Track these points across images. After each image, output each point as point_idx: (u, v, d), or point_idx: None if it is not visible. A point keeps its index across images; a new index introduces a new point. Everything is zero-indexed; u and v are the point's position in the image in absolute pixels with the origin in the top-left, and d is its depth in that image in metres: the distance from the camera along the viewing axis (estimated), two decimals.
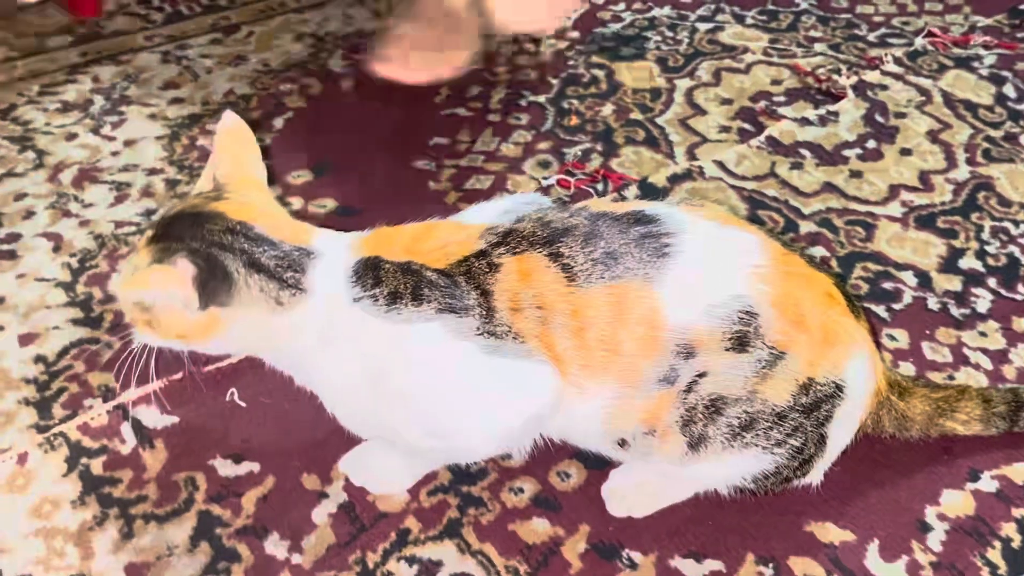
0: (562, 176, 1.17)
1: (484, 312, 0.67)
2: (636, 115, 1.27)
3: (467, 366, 0.67)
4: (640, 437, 0.70)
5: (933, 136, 1.22)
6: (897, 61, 1.36)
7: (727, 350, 0.66)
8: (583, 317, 0.66)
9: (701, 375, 0.67)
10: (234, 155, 0.74)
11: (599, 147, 1.22)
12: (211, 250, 0.67)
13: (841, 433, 0.73)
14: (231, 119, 0.75)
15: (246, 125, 0.75)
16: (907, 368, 0.92)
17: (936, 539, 0.78)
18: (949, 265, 1.03)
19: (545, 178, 1.17)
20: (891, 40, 1.43)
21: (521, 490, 0.82)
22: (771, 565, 0.76)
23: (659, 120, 1.26)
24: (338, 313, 0.69)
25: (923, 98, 1.29)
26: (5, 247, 1.07)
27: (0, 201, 1.14)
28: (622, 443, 0.72)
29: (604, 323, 0.66)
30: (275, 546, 0.78)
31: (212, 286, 0.67)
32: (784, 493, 0.78)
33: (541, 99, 1.32)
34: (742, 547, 0.77)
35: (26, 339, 0.96)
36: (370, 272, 0.69)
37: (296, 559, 0.77)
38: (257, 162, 0.75)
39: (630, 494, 0.79)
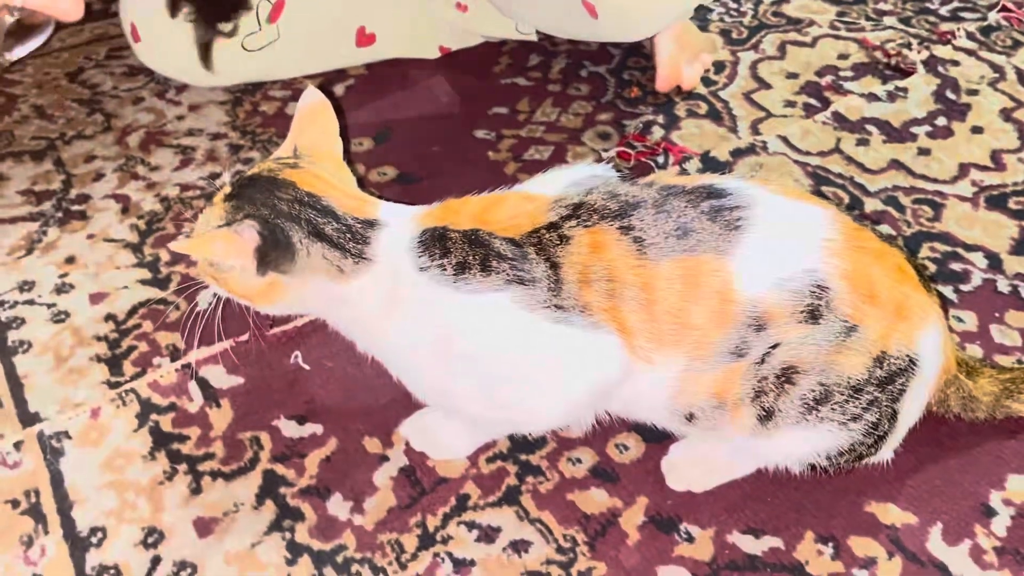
0: (622, 148, 1.16)
1: (552, 284, 0.67)
2: (699, 88, 1.25)
3: (534, 337, 0.67)
4: (709, 410, 0.70)
5: (1006, 114, 1.19)
6: (970, 36, 1.32)
7: (799, 323, 0.66)
8: (653, 290, 0.66)
9: (774, 346, 0.67)
10: (315, 128, 0.76)
11: (660, 119, 1.21)
12: (278, 220, 0.69)
13: (911, 409, 0.73)
14: (314, 95, 0.77)
15: (327, 101, 0.77)
16: (974, 351, 0.90)
17: (1001, 524, 0.77)
18: (1021, 247, 1.01)
19: (605, 150, 1.16)
20: (963, 14, 1.38)
21: (579, 460, 0.82)
22: (830, 544, 0.76)
23: (722, 94, 1.24)
24: (404, 283, 0.70)
25: (996, 75, 1.25)
26: (76, 208, 1.10)
27: (71, 162, 1.17)
28: (690, 417, 0.71)
29: (675, 296, 0.66)
30: (338, 507, 0.79)
31: (274, 256, 0.69)
32: (845, 472, 0.78)
33: (602, 69, 1.30)
34: (801, 525, 0.77)
35: (96, 298, 0.99)
36: (437, 242, 0.70)
37: (358, 520, 0.78)
38: (335, 136, 0.77)
39: (690, 468, 0.79)
